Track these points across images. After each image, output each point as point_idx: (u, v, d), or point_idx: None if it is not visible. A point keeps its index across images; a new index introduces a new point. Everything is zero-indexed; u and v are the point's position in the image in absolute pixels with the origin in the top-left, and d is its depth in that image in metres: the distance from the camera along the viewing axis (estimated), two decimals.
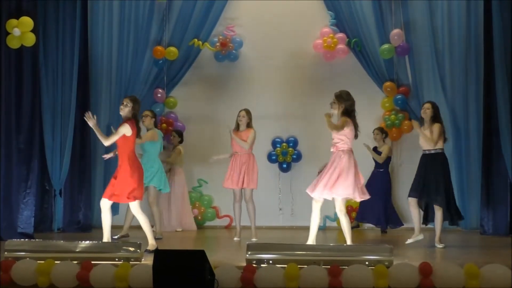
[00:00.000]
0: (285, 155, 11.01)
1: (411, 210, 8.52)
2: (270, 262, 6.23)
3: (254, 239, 8.90)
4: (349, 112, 7.53)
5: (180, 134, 10.68)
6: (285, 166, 11.04)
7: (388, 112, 10.78)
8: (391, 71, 10.82)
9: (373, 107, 10.82)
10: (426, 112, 8.44)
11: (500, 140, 9.59)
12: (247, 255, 6.29)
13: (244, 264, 6.22)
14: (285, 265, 6.03)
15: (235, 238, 9.06)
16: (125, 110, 7.61)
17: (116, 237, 9.04)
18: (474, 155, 10.35)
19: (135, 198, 7.51)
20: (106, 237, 7.54)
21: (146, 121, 9.38)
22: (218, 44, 10.96)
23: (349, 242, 7.46)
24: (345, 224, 7.49)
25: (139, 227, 7.80)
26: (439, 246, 8.31)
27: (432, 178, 8.33)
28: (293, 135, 11.06)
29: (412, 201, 8.45)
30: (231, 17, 11.18)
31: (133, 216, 8.46)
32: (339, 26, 10.94)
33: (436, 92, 10.54)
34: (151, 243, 7.66)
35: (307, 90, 11.04)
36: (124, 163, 7.48)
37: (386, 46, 10.64)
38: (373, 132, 10.40)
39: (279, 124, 11.00)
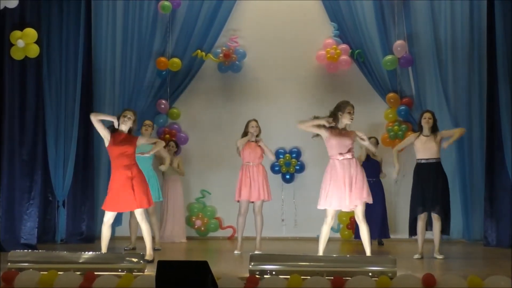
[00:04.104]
0: (288, 166, 11.02)
1: (421, 225, 8.45)
2: (273, 273, 6.21)
3: (257, 252, 8.87)
4: None
5: (177, 144, 10.71)
6: (288, 177, 11.05)
7: (391, 123, 10.78)
8: (394, 82, 10.83)
9: (376, 118, 10.83)
10: (429, 121, 8.45)
11: (504, 152, 9.58)
12: (250, 266, 6.27)
13: (247, 275, 6.21)
14: (288, 276, 6.02)
15: (236, 252, 8.95)
16: (128, 123, 7.74)
17: (127, 248, 9.10)
18: (477, 167, 10.35)
19: (149, 204, 7.83)
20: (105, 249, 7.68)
21: (148, 131, 9.46)
22: (221, 55, 10.99)
23: (368, 252, 7.50)
24: (366, 232, 7.55)
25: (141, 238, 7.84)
26: (439, 257, 8.30)
27: (432, 187, 8.34)
28: (296, 146, 11.07)
29: (424, 216, 8.46)
30: (234, 29, 11.22)
31: (138, 227, 8.54)
32: (342, 37, 10.97)
33: (439, 103, 10.55)
34: (150, 253, 7.72)
35: (310, 101, 11.04)
36: (139, 171, 7.72)
37: (389, 57, 10.65)
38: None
39: (282, 135, 11.00)
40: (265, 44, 11.22)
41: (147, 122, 9.66)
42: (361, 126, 10.71)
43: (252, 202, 9.04)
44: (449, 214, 8.50)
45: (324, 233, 7.59)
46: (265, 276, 6.17)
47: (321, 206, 7.55)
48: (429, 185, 8.35)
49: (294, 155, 11.04)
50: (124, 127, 7.74)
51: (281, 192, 11.05)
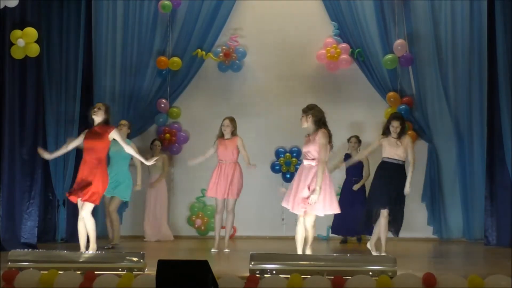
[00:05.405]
0: (289, 165, 11.01)
1: (383, 221, 8.35)
2: (274, 272, 6.21)
3: (226, 250, 8.97)
4: (321, 122, 7.56)
5: (162, 142, 10.76)
6: (288, 176, 11.02)
7: None
8: (395, 81, 10.82)
9: (376, 117, 10.81)
10: (396, 130, 8.36)
11: (504, 151, 9.57)
12: (251, 265, 6.27)
13: (247, 274, 6.21)
14: (289, 276, 6.02)
15: (212, 250, 9.03)
16: (100, 112, 7.78)
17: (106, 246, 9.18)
18: (477, 165, 10.36)
19: (98, 201, 7.78)
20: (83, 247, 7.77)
21: (123, 131, 9.49)
22: (221, 54, 10.98)
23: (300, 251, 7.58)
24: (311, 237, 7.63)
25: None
26: (375, 253, 8.28)
27: (393, 187, 8.29)
28: (297, 145, 11.05)
29: (386, 212, 8.39)
30: (234, 28, 11.20)
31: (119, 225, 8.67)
32: (343, 37, 10.95)
33: (440, 102, 10.57)
34: (94, 246, 7.72)
35: (310, 101, 10.90)
36: (102, 165, 7.69)
37: (389, 56, 10.64)
38: (349, 141, 10.31)
39: (282, 134, 10.99)
40: (266, 43, 11.22)
41: (122, 122, 9.68)
42: (361, 126, 10.78)
43: (222, 198, 9.11)
44: (401, 217, 8.43)
45: (298, 233, 7.65)
46: (265, 275, 6.17)
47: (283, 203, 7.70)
48: (392, 185, 8.29)
49: (294, 154, 11.03)
50: (96, 118, 7.80)
51: None
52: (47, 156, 8.21)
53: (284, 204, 7.67)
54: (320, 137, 7.44)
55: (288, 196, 7.59)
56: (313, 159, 7.46)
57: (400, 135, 8.35)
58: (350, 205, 9.64)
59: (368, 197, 8.63)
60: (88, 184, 7.59)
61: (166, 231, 10.61)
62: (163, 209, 10.67)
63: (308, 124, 7.61)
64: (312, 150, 7.47)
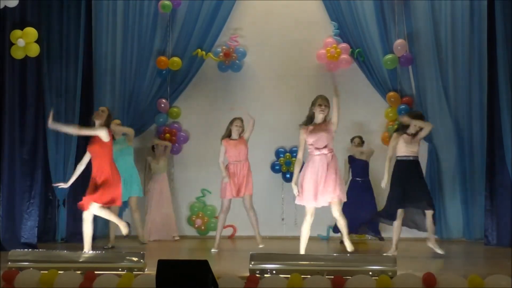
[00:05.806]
0: (289, 165, 11.01)
1: (398, 221, 8.43)
2: (274, 272, 6.22)
3: (261, 246, 8.92)
4: None
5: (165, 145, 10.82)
6: (288, 176, 11.03)
7: (392, 122, 10.77)
8: (395, 81, 10.82)
9: (376, 117, 10.83)
10: (418, 128, 8.48)
11: (504, 150, 9.57)
12: (251, 265, 6.28)
13: (247, 274, 6.22)
14: (289, 275, 6.03)
15: (213, 250, 9.00)
16: (103, 116, 7.83)
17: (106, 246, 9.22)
18: (477, 165, 10.34)
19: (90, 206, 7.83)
20: (88, 247, 7.75)
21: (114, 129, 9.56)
22: (221, 54, 10.98)
23: (349, 247, 7.62)
24: (344, 225, 7.70)
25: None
26: (440, 251, 8.38)
27: (416, 184, 8.35)
28: (297, 145, 11.03)
29: (402, 212, 8.44)
30: (234, 28, 11.21)
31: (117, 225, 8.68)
32: (343, 36, 10.95)
33: (440, 102, 10.55)
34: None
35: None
36: (107, 169, 7.79)
37: (389, 56, 10.64)
38: (352, 141, 10.35)
39: (283, 134, 10.99)
40: (266, 43, 11.22)
41: (115, 121, 9.65)
42: (361, 125, 10.77)
43: (239, 197, 9.11)
44: (431, 200, 8.60)
45: (304, 232, 7.67)
46: (265, 275, 6.18)
47: (297, 201, 7.68)
48: (412, 182, 8.37)
49: (294, 154, 11.00)
50: (98, 120, 7.86)
51: (281, 191, 11.04)
52: (64, 185, 8.23)
53: (303, 203, 7.61)
54: (334, 123, 7.59)
55: (309, 192, 7.52)
56: (325, 147, 7.51)
57: (416, 133, 8.47)
58: (354, 205, 9.65)
59: (388, 197, 8.60)
60: (111, 188, 7.81)
61: (172, 228, 10.60)
62: (168, 208, 10.63)
63: (322, 115, 7.68)
64: (324, 138, 7.52)
